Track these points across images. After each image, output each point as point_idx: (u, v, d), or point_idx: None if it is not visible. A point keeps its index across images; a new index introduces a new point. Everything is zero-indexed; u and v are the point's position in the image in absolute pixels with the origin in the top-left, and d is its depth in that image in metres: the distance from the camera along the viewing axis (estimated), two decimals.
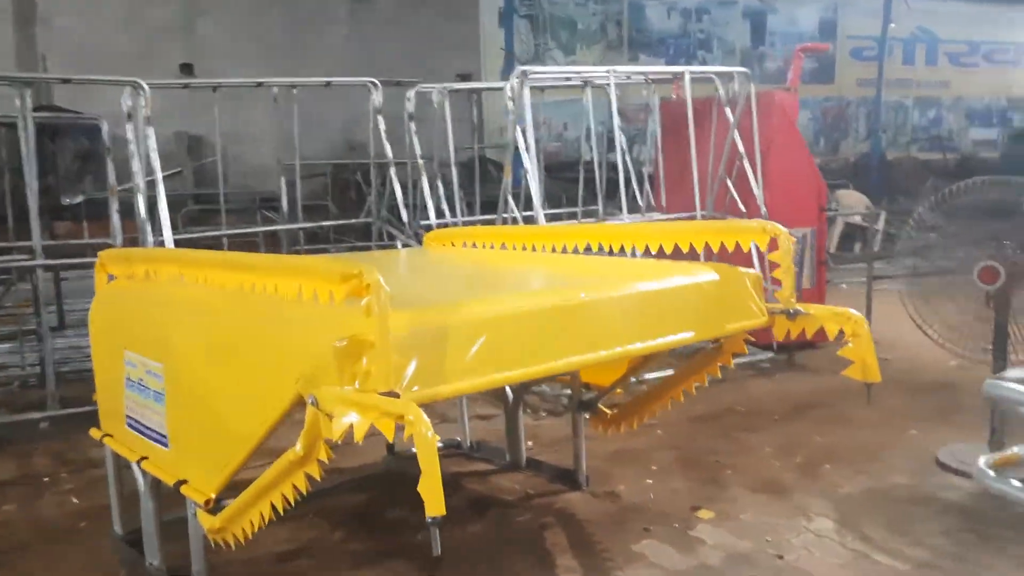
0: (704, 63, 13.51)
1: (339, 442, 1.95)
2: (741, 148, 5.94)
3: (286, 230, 6.67)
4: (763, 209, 5.86)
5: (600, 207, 6.12)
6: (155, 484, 3.02)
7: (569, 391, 3.96)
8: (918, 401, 4.95)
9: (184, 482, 2.67)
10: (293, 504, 2.30)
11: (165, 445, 2.81)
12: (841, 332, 2.79)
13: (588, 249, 3.53)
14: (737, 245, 2.95)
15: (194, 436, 2.66)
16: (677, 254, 3.17)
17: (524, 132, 5.05)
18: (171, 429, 2.76)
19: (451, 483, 3.80)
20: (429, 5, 13.50)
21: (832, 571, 3.00)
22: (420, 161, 6.22)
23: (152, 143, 4.81)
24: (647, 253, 3.44)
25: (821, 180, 6.24)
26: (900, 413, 4.68)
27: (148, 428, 2.91)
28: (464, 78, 12.52)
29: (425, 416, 1.83)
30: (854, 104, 16.25)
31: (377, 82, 6.16)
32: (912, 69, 16.53)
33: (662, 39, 13.42)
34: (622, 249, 3.45)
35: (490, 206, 6.48)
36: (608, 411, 3.77)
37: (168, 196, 4.94)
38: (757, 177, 5.81)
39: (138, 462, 2.94)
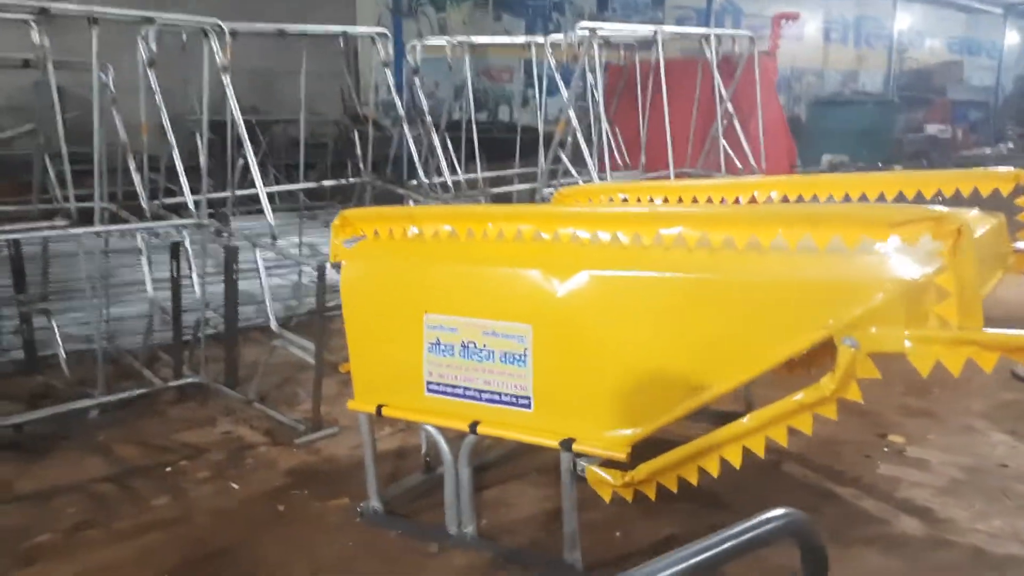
0: (558, 26, 13.97)
1: None
2: (730, 108, 6.44)
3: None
4: (755, 165, 6.42)
5: (542, 170, 6.26)
6: (471, 450, 2.95)
7: None
8: None
9: (571, 440, 2.67)
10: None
11: (525, 406, 2.77)
12: None
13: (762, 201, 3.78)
14: None
15: (588, 394, 2.66)
16: None
17: (593, 89, 5.17)
18: (540, 390, 2.73)
19: None
20: None
21: None
22: (428, 119, 6.11)
23: None
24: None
25: (792, 139, 6.93)
26: None
27: (485, 392, 2.83)
28: None
29: None
30: None
31: (387, 32, 5.93)
32: None
33: (522, 1, 13.73)
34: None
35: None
36: None
37: None
38: (757, 133, 6.34)
39: (472, 426, 2.86)
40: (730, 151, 6.46)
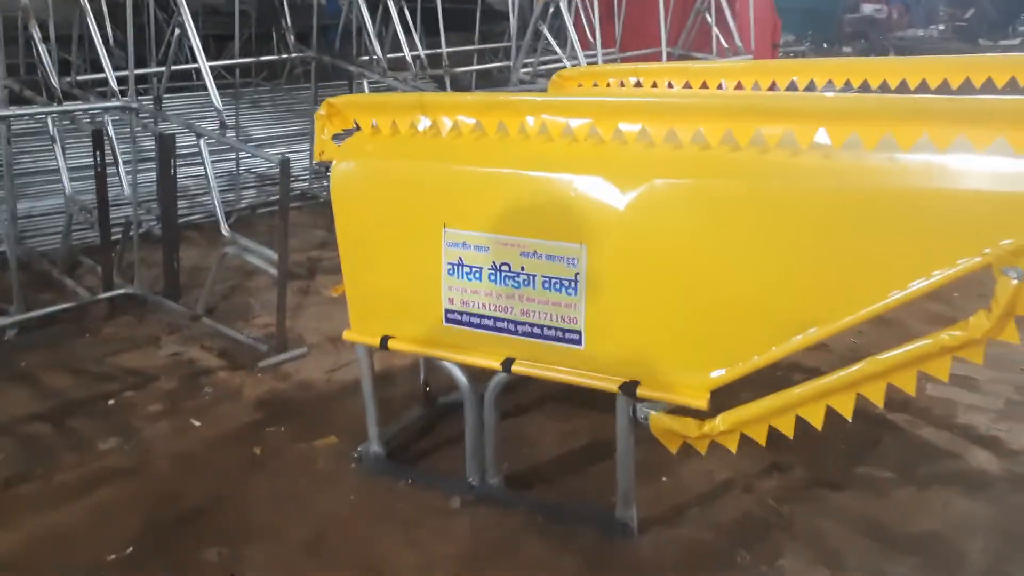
0: None
1: None
2: None
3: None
4: (741, 44, 5.89)
5: (516, 47, 5.56)
6: (500, 391, 2.47)
7: None
8: None
9: (635, 384, 2.21)
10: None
11: (574, 342, 2.28)
12: None
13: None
14: None
15: (657, 328, 2.18)
16: None
17: None
18: (594, 322, 2.24)
19: None
20: None
21: None
22: None
23: None
24: None
25: (776, 16, 6.38)
26: None
27: (523, 324, 2.33)
28: None
29: None
30: None
31: None
32: None
33: None
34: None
35: None
36: None
37: None
38: (746, 8, 5.78)
39: (506, 364, 2.36)
40: (716, 29, 5.88)
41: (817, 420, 2.07)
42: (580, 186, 2.19)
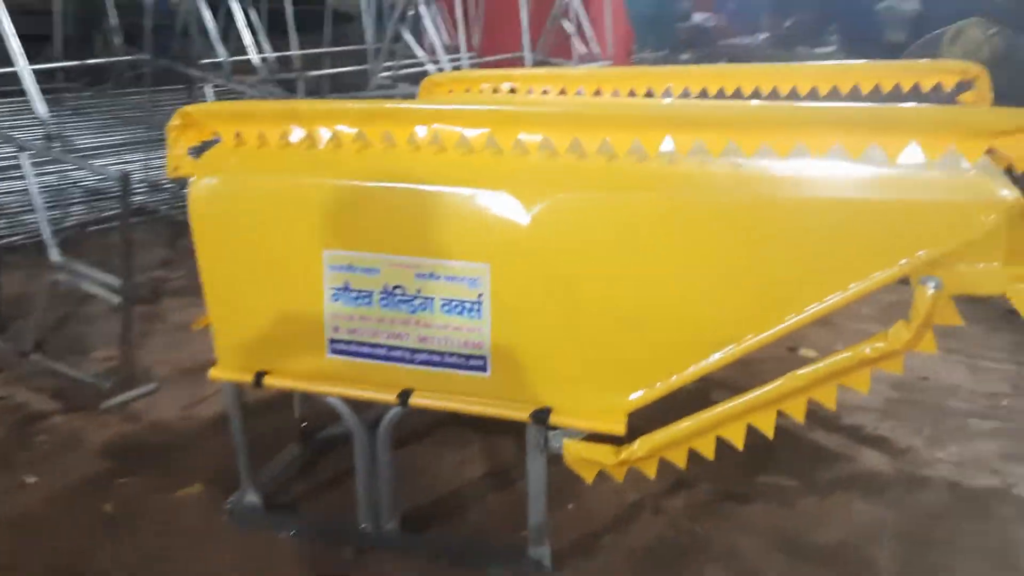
0: None
1: None
2: None
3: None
4: (598, 49, 5.89)
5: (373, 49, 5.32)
6: (393, 426, 2.25)
7: None
8: None
9: (546, 411, 2.05)
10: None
11: (479, 369, 2.09)
12: None
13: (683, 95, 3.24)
14: None
15: (569, 349, 2.02)
16: None
17: None
18: (500, 347, 2.06)
19: None
20: None
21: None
22: None
23: None
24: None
25: (630, 25, 6.42)
26: None
27: (420, 352, 2.12)
28: None
29: None
30: None
31: None
32: None
33: None
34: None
35: None
36: None
37: None
38: (602, 15, 5.78)
39: (402, 396, 2.14)
40: (573, 34, 5.84)
41: (739, 439, 1.99)
42: (482, 201, 2.00)
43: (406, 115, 2.09)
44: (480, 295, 2.04)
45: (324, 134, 2.13)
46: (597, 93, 3.21)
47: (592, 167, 1.96)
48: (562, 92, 3.26)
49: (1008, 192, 1.73)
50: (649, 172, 1.94)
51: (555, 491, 2.42)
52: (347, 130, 2.11)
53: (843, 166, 1.83)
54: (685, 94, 3.13)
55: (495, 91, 3.33)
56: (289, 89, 5.22)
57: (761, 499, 2.55)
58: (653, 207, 1.93)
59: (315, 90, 5.58)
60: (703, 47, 17.30)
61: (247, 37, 4.88)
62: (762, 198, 1.88)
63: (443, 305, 2.08)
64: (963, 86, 2.94)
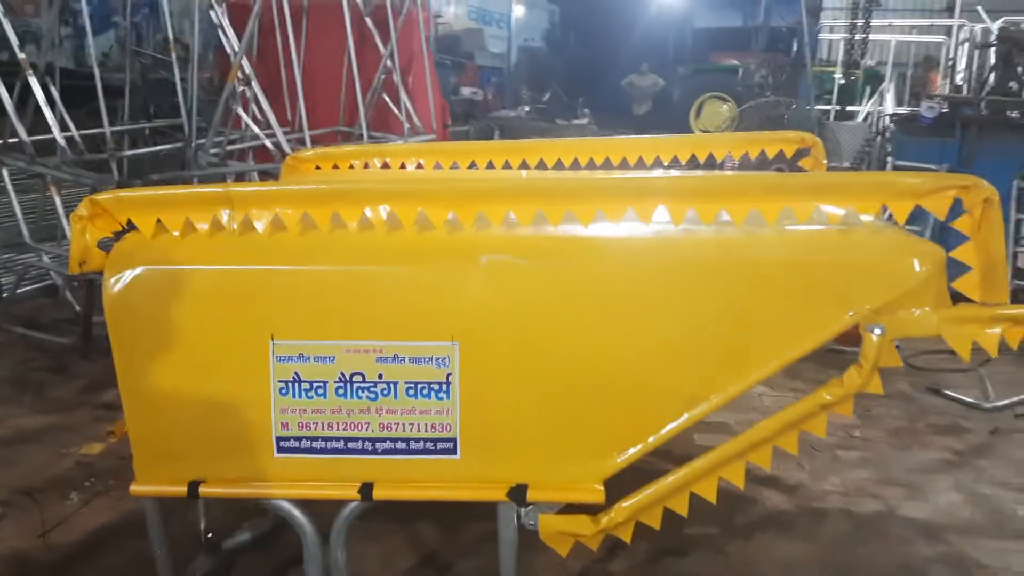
0: None
1: None
2: (394, 61, 5.88)
3: None
4: (421, 125, 5.98)
5: (191, 128, 5.07)
6: (349, 524, 2.11)
7: None
8: None
9: (523, 488, 2.02)
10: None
11: (448, 452, 2.02)
12: None
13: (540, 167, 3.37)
14: None
15: (544, 422, 2.00)
16: None
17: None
18: (471, 427, 2.00)
19: None
20: None
21: None
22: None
23: None
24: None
25: (444, 98, 6.56)
26: None
27: (383, 440, 2.02)
28: None
29: None
30: None
31: None
32: None
33: None
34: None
35: None
36: None
37: None
38: (422, 89, 5.87)
39: (364, 490, 2.01)
40: (395, 109, 5.87)
41: (711, 494, 2.06)
42: (448, 277, 1.97)
43: (356, 195, 2.02)
44: (449, 375, 1.98)
45: (261, 219, 2.00)
46: (472, 166, 3.26)
47: (551, 239, 2.00)
48: (436, 166, 3.28)
49: (932, 245, 1.97)
50: (606, 241, 2.00)
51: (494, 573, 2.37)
52: (290, 213, 2.00)
53: (791, 229, 2.00)
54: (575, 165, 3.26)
55: (366, 166, 3.29)
56: (99, 170, 4.79)
57: (695, 550, 2.64)
58: (614, 274, 1.99)
59: (136, 171, 5.15)
60: (478, 119, 18.07)
61: (49, 114, 4.44)
62: (717, 263, 2.00)
63: (408, 388, 2.00)
64: (801, 152, 3.31)
